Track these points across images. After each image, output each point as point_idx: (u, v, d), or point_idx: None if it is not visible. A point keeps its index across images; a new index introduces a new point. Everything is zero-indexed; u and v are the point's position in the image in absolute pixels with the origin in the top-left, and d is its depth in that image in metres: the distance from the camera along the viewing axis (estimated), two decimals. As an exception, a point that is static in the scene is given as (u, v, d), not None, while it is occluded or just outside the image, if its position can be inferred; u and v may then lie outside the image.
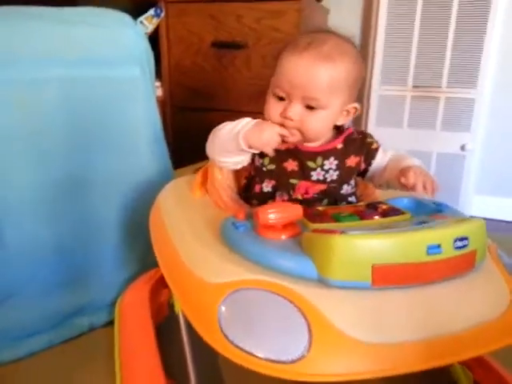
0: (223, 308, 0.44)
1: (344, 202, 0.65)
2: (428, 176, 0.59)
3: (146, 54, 0.98)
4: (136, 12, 1.18)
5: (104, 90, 0.91)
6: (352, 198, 0.66)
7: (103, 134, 0.91)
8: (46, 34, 0.83)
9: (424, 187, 0.57)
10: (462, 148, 1.45)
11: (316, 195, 0.63)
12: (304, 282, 0.44)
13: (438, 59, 1.41)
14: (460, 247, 0.44)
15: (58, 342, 0.84)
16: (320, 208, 0.58)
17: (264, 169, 0.64)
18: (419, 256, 0.42)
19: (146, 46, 0.98)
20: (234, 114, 1.31)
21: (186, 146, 1.43)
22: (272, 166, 0.63)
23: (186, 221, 0.59)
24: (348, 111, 0.63)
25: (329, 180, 0.63)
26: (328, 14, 1.54)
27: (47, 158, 0.83)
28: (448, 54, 1.39)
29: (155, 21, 1.01)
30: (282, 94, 0.60)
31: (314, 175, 0.63)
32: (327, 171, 0.63)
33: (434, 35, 1.39)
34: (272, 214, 0.48)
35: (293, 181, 0.63)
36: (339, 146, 0.64)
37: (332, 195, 0.63)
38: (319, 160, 0.62)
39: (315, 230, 0.47)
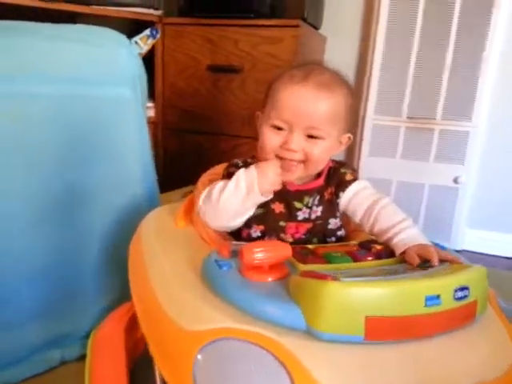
0: (199, 361, 0.40)
1: (333, 238, 0.62)
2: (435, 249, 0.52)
3: (138, 75, 0.96)
4: (133, 32, 1.17)
5: (92, 110, 0.88)
6: (341, 232, 0.63)
7: (90, 153, 0.88)
8: (39, 50, 0.80)
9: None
10: (455, 181, 1.44)
11: (304, 236, 0.60)
12: (291, 333, 0.40)
13: (433, 91, 1.40)
14: (460, 298, 0.41)
15: (24, 377, 0.78)
16: (310, 246, 0.54)
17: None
18: (417, 308, 0.39)
19: (139, 66, 0.96)
20: (227, 138, 1.31)
21: (177, 168, 1.40)
22: (260, 210, 0.59)
23: (167, 255, 0.55)
24: (341, 142, 0.62)
25: (313, 217, 0.61)
26: (325, 43, 1.54)
27: (34, 172, 0.79)
28: (444, 86, 1.39)
29: (150, 41, 1.00)
30: (282, 125, 0.57)
31: (300, 215, 0.61)
32: (311, 208, 0.61)
33: (430, 67, 1.39)
34: (258, 253, 0.45)
35: (282, 223, 0.60)
36: (322, 182, 0.62)
37: (320, 232, 0.61)
38: (305, 199, 0.61)
39: (304, 273, 0.44)
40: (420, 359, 0.39)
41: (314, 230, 0.60)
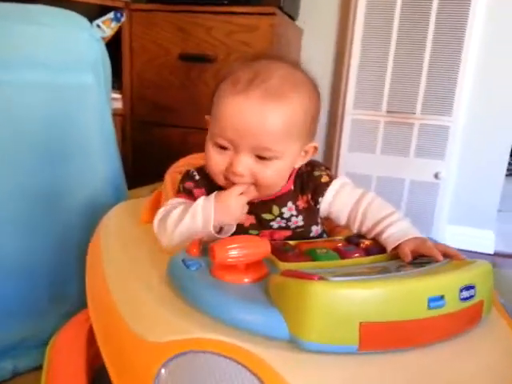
0: (162, 376, 0.33)
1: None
2: (431, 244, 0.46)
3: (101, 61, 0.89)
4: (96, 17, 1.08)
5: (51, 97, 0.82)
6: (324, 237, 0.56)
7: (49, 144, 0.81)
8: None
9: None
10: (436, 176, 1.41)
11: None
12: (271, 343, 0.33)
13: (412, 85, 1.37)
14: (466, 298, 0.35)
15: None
16: (292, 242, 0.48)
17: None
18: (419, 311, 0.33)
19: (101, 51, 0.89)
20: (199, 132, 1.22)
21: (146, 162, 1.31)
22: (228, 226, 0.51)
23: (128, 255, 0.48)
24: (307, 151, 0.53)
25: (293, 226, 0.53)
26: (302, 35, 1.49)
27: None
28: (423, 80, 1.36)
29: (114, 25, 0.92)
30: (226, 145, 0.48)
31: (275, 224, 0.53)
32: (288, 219, 0.53)
33: (409, 60, 1.36)
34: (232, 250, 0.38)
35: (252, 232, 0.52)
36: (292, 187, 0.53)
37: (300, 239, 0.52)
38: (275, 209, 0.52)
39: (286, 273, 0.37)
40: (422, 370, 0.34)
41: (293, 238, 0.53)
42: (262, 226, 0.53)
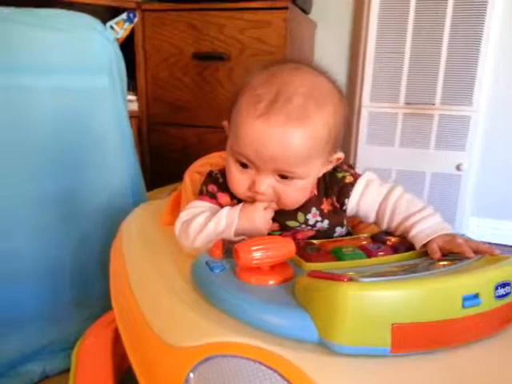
0: (191, 381, 0.33)
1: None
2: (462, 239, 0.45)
3: (115, 62, 0.89)
4: (110, 19, 1.08)
5: (67, 102, 0.82)
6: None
7: (66, 150, 0.83)
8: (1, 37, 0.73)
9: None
10: (458, 168, 1.38)
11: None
12: (300, 346, 0.33)
13: (431, 75, 1.34)
14: (502, 296, 0.34)
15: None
16: (315, 242, 0.47)
17: None
18: (453, 311, 0.32)
19: (116, 52, 0.89)
20: (215, 131, 1.23)
21: (164, 163, 1.32)
22: None
23: (150, 258, 0.48)
24: (330, 161, 0.51)
25: (317, 228, 0.53)
26: (315, 29, 1.47)
27: (7, 174, 0.74)
28: (441, 69, 1.33)
29: (127, 26, 0.92)
30: (247, 163, 0.47)
31: (299, 233, 0.52)
32: (313, 225, 0.52)
33: (427, 50, 1.33)
34: (257, 252, 0.38)
35: (276, 234, 0.51)
36: (315, 193, 0.53)
37: (324, 238, 0.51)
38: (300, 217, 0.51)
39: (313, 274, 0.36)
40: (458, 372, 0.32)
41: (316, 237, 0.52)
42: (284, 229, 0.52)
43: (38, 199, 0.77)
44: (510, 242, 1.45)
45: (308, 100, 0.45)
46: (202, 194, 0.53)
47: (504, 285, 0.34)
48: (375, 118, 1.42)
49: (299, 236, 0.52)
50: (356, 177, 0.53)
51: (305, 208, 0.51)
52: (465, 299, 0.32)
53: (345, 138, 1.46)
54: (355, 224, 0.60)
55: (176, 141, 1.30)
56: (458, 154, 1.37)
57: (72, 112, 0.83)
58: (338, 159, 0.52)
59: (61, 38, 0.81)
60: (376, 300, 0.31)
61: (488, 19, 1.26)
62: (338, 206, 0.52)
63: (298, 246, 0.44)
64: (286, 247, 0.39)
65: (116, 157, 0.88)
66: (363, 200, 0.52)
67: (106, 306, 0.79)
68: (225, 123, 0.52)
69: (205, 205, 0.51)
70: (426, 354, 0.33)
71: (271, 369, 0.32)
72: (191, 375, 0.34)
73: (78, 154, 0.83)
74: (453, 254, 0.43)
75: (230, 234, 0.47)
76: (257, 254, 0.38)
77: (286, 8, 1.12)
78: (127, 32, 0.92)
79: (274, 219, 0.51)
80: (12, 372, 0.74)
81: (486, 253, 0.41)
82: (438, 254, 0.42)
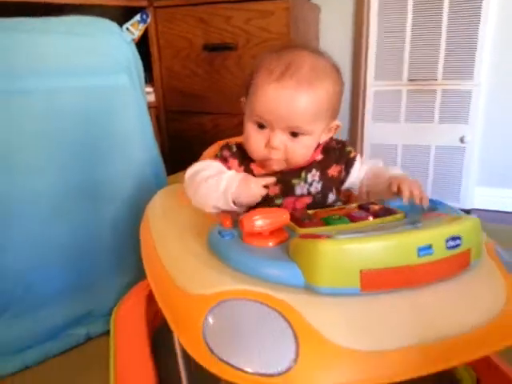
0: (208, 321, 0.42)
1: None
2: (416, 184, 0.56)
3: (133, 61, 0.98)
4: (123, 18, 1.16)
5: (91, 100, 0.90)
6: (339, 205, 0.64)
7: (93, 143, 0.91)
8: (30, 46, 0.82)
9: (411, 194, 0.55)
10: (461, 140, 1.43)
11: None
12: (291, 290, 0.42)
13: (432, 52, 1.39)
14: (452, 247, 0.43)
15: (55, 353, 0.83)
16: (310, 212, 0.56)
17: None
18: (410, 258, 0.41)
19: (133, 52, 0.98)
20: (228, 116, 1.32)
21: (181, 148, 1.42)
22: None
23: (173, 231, 0.58)
24: (330, 129, 0.62)
25: (313, 192, 0.62)
26: (319, 12, 1.52)
27: (40, 166, 0.82)
28: (442, 45, 1.37)
29: (142, 26, 1.00)
30: (264, 123, 0.58)
31: (298, 190, 0.62)
32: (311, 184, 0.62)
33: (427, 27, 1.37)
34: (257, 220, 0.47)
35: (277, 201, 0.62)
36: (318, 157, 0.63)
37: (319, 207, 0.61)
38: (302, 174, 0.62)
39: (302, 236, 0.46)
40: (417, 305, 0.41)
41: (313, 204, 0.62)
42: (287, 191, 0.61)
43: (74, 188, 0.87)
44: (510, 209, 1.50)
45: (312, 71, 0.56)
46: (216, 157, 0.63)
47: (454, 238, 0.43)
48: (380, 96, 1.48)
49: (298, 203, 0.62)
50: (356, 153, 0.66)
51: (308, 168, 0.62)
52: (420, 249, 0.41)
53: (352, 115, 1.56)
54: (348, 198, 0.68)
55: (192, 127, 1.39)
56: (461, 126, 1.42)
57: (96, 108, 0.91)
58: (337, 126, 0.63)
59: (84, 42, 0.90)
60: (346, 251, 0.40)
61: (488, -7, 1.29)
62: (344, 173, 0.65)
63: (296, 215, 0.53)
64: (281, 216, 0.48)
65: (138, 146, 0.97)
66: (357, 172, 0.66)
67: (138, 276, 0.91)
68: (242, 99, 0.63)
69: (216, 164, 0.61)
70: (391, 292, 0.42)
71: (270, 307, 0.41)
72: (209, 316, 0.43)
73: (103, 145, 0.92)
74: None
75: (227, 197, 0.55)
76: (258, 223, 0.47)
77: (287, -2, 1.19)
78: (142, 32, 1.00)
79: (277, 182, 0.60)
80: (61, 335, 0.85)
81: (422, 198, 0.54)
82: (392, 188, 0.56)
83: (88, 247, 0.90)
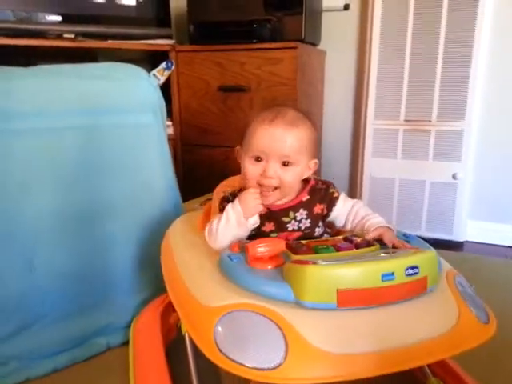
0: (219, 328, 0.54)
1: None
2: (392, 234, 0.69)
3: (158, 103, 1.12)
4: (151, 59, 1.30)
5: (121, 135, 1.04)
6: (326, 236, 0.77)
7: (119, 173, 1.03)
8: (68, 89, 0.97)
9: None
10: (454, 177, 1.54)
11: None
12: (283, 304, 0.54)
13: (427, 95, 1.52)
14: (411, 274, 0.54)
15: (79, 360, 0.93)
16: (303, 242, 0.68)
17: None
18: (375, 282, 0.52)
19: (158, 95, 1.12)
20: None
21: (195, 178, 1.56)
22: (253, 232, 0.72)
23: (191, 253, 0.70)
24: (310, 167, 0.75)
25: (303, 228, 0.75)
26: (325, 56, 1.68)
27: (70, 192, 0.95)
28: (436, 90, 1.51)
29: (166, 73, 1.15)
30: (260, 155, 0.71)
31: (290, 226, 0.74)
32: (300, 221, 0.74)
33: (423, 73, 1.51)
34: (260, 247, 0.59)
35: (272, 235, 0.74)
36: (305, 198, 0.76)
37: (308, 238, 0.73)
38: (291, 214, 0.74)
39: (294, 261, 0.58)
40: (382, 319, 0.53)
41: (303, 238, 0.74)
42: (280, 228, 0.74)
43: (100, 207, 1.00)
44: (501, 242, 1.59)
45: (295, 117, 0.71)
46: (220, 211, 0.74)
47: (413, 267, 0.54)
48: (379, 134, 1.61)
49: (290, 237, 0.73)
50: (339, 194, 0.78)
51: (294, 209, 0.74)
52: (383, 275, 0.52)
53: (353, 150, 1.72)
54: (335, 232, 0.80)
55: (205, 159, 1.53)
56: (453, 164, 1.54)
57: (126, 142, 1.04)
58: (315, 164, 0.76)
59: (117, 85, 1.04)
60: (326, 274, 0.52)
61: (477, 44, 1.43)
62: (326, 211, 0.77)
63: (291, 244, 0.65)
64: (278, 245, 0.60)
65: (159, 177, 1.10)
66: (341, 209, 0.77)
67: (153, 294, 1.03)
68: (237, 148, 0.76)
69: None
70: (362, 308, 0.53)
71: (267, 317, 0.53)
72: (218, 328, 0.54)
73: (129, 174, 1.05)
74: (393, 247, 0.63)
75: (241, 220, 0.68)
76: (260, 249, 0.59)
77: (295, 47, 1.34)
78: (166, 77, 1.15)
79: (271, 219, 0.73)
80: (85, 343, 0.95)
81: (398, 246, 0.64)
82: (371, 236, 0.68)
83: (110, 266, 1.01)
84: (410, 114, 1.56)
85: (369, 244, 0.66)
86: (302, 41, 1.38)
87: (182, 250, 0.72)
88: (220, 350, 0.52)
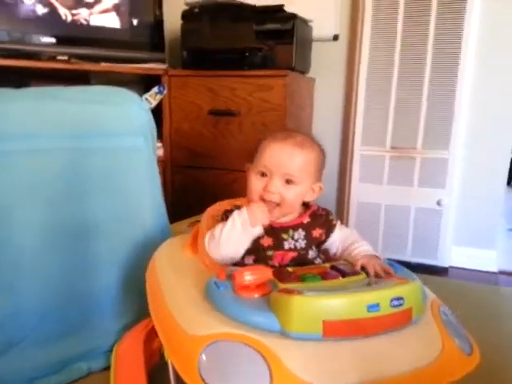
0: (203, 357, 0.53)
1: (312, 265, 0.76)
2: (377, 262, 0.70)
3: (149, 126, 1.13)
4: (144, 83, 1.31)
5: (111, 158, 1.04)
6: (318, 261, 0.78)
7: (107, 194, 1.03)
8: (59, 112, 0.97)
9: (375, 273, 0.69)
10: (438, 203, 1.57)
11: (289, 262, 0.75)
12: (269, 334, 0.54)
13: (413, 124, 1.56)
14: (396, 305, 0.55)
15: (60, 385, 0.91)
16: (290, 269, 0.69)
17: None
18: (361, 313, 0.53)
19: (149, 119, 1.13)
20: (227, 172, 1.47)
21: (184, 200, 1.56)
22: (251, 245, 0.74)
23: (177, 278, 0.70)
24: (314, 190, 0.78)
25: (298, 248, 0.76)
26: (314, 84, 1.72)
27: (56, 213, 0.94)
28: (422, 119, 1.55)
29: (158, 97, 1.17)
30: (265, 171, 0.74)
31: (286, 245, 0.76)
32: (297, 240, 0.76)
33: (409, 103, 1.55)
34: (246, 276, 0.60)
35: (269, 253, 0.75)
36: (305, 220, 0.78)
37: (301, 261, 0.75)
38: (290, 232, 0.77)
39: (280, 290, 0.58)
40: (367, 350, 0.53)
41: (297, 258, 0.75)
42: (278, 245, 0.75)
43: (86, 229, 0.99)
44: (485, 268, 1.62)
45: (304, 141, 0.76)
46: (222, 220, 0.76)
47: (398, 298, 0.55)
48: (366, 160, 1.64)
49: (285, 257, 0.75)
50: (336, 222, 0.82)
51: (294, 228, 0.77)
52: (369, 306, 0.53)
53: (340, 176, 1.74)
54: (326, 258, 0.81)
55: (194, 181, 1.54)
56: (438, 191, 1.57)
57: (115, 164, 1.05)
58: (320, 188, 0.79)
59: (108, 109, 1.05)
60: (312, 305, 0.52)
61: (460, 75, 1.48)
62: (325, 237, 0.80)
63: (279, 272, 0.66)
64: (265, 273, 0.61)
65: (147, 200, 1.10)
66: (336, 237, 0.81)
67: (135, 319, 1.01)
68: (247, 165, 0.80)
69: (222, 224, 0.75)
70: (346, 339, 0.54)
71: (252, 347, 0.53)
72: (202, 357, 0.54)
73: (117, 197, 1.05)
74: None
75: (247, 227, 0.70)
76: (247, 278, 0.60)
77: (284, 76, 1.37)
78: (158, 101, 1.16)
79: (270, 234, 0.75)
80: (64, 369, 0.93)
81: (380, 275, 0.66)
82: (358, 266, 0.69)
83: (93, 289, 1.00)
84: (396, 142, 1.59)
85: (355, 273, 0.67)
86: (292, 69, 1.41)
87: (168, 275, 0.72)
88: (203, 380, 0.52)
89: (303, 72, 1.58)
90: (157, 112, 1.32)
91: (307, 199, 0.79)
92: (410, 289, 0.57)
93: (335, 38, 1.67)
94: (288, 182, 0.74)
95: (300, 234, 0.76)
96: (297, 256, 0.75)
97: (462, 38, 1.46)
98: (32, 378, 0.90)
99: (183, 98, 1.49)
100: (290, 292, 0.55)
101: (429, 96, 1.53)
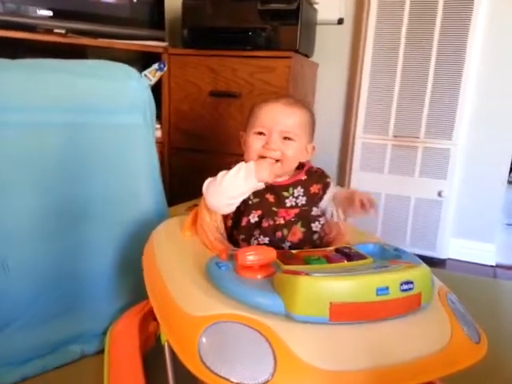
0: (203, 339, 0.51)
1: (316, 223, 0.77)
2: (363, 194, 0.72)
3: (148, 104, 1.09)
4: (143, 60, 1.27)
5: (108, 135, 1.01)
6: (322, 219, 0.78)
7: (104, 173, 1.00)
8: (56, 84, 0.93)
9: (363, 204, 0.69)
10: (439, 194, 1.56)
11: (293, 218, 0.75)
12: (273, 316, 0.51)
13: (416, 112, 1.54)
14: (406, 290, 0.52)
15: (51, 368, 0.89)
16: (294, 251, 0.66)
17: (250, 202, 0.75)
18: (370, 296, 0.51)
19: (148, 96, 1.09)
20: (226, 156, 1.43)
21: (182, 183, 1.52)
22: (257, 199, 0.75)
23: (176, 259, 0.67)
24: (307, 150, 0.80)
25: (300, 205, 0.77)
26: (317, 69, 1.68)
27: (49, 192, 0.91)
28: (426, 107, 1.52)
29: (158, 74, 1.13)
30: (263, 130, 0.75)
31: (288, 202, 0.76)
32: (297, 197, 0.77)
33: (413, 90, 1.53)
34: (249, 256, 0.57)
35: (274, 209, 0.75)
36: (303, 177, 0.79)
37: (305, 217, 0.76)
38: (290, 189, 0.77)
39: (285, 271, 0.55)
40: (374, 335, 0.51)
41: (300, 214, 0.76)
42: (280, 202, 0.76)
43: (81, 209, 0.96)
44: (483, 261, 1.61)
45: (296, 100, 0.79)
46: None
47: (407, 282, 0.53)
48: (367, 148, 1.62)
49: (288, 214, 0.75)
50: (330, 180, 0.81)
51: (293, 185, 0.77)
52: (378, 290, 0.51)
53: (340, 164, 1.71)
54: (328, 240, 0.79)
55: (192, 163, 1.50)
56: (439, 181, 1.55)
57: (113, 143, 1.01)
58: (313, 148, 0.81)
59: (106, 84, 1.01)
60: (319, 287, 0.50)
61: (467, 65, 1.46)
62: (322, 192, 0.79)
63: (282, 253, 0.63)
64: (269, 253, 0.58)
65: (145, 179, 1.07)
66: (328, 196, 0.79)
67: (131, 301, 0.99)
68: (241, 132, 0.81)
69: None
70: (354, 323, 0.51)
71: (255, 329, 0.50)
72: (203, 339, 0.51)
73: (115, 176, 1.02)
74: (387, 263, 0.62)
75: (251, 178, 0.69)
76: (250, 258, 0.57)
77: (289, 57, 1.33)
78: (157, 78, 1.12)
79: (272, 192, 0.75)
80: (58, 350, 0.91)
81: (368, 204, 0.69)
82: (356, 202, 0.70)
83: (87, 270, 0.97)
84: (399, 130, 1.57)
85: (361, 257, 0.65)
86: (296, 51, 1.37)
87: (167, 255, 0.69)
88: (203, 363, 0.49)
89: (307, 56, 1.54)
90: (155, 92, 1.29)
91: (301, 159, 0.79)
92: (420, 273, 0.55)
93: (340, 21, 1.63)
94: (286, 139, 0.75)
95: (299, 190, 0.77)
96: (299, 212, 0.76)
97: (470, 25, 1.42)
98: (23, 360, 0.87)
99: (183, 78, 1.45)
100: (296, 273, 0.52)
101: (434, 85, 1.50)
